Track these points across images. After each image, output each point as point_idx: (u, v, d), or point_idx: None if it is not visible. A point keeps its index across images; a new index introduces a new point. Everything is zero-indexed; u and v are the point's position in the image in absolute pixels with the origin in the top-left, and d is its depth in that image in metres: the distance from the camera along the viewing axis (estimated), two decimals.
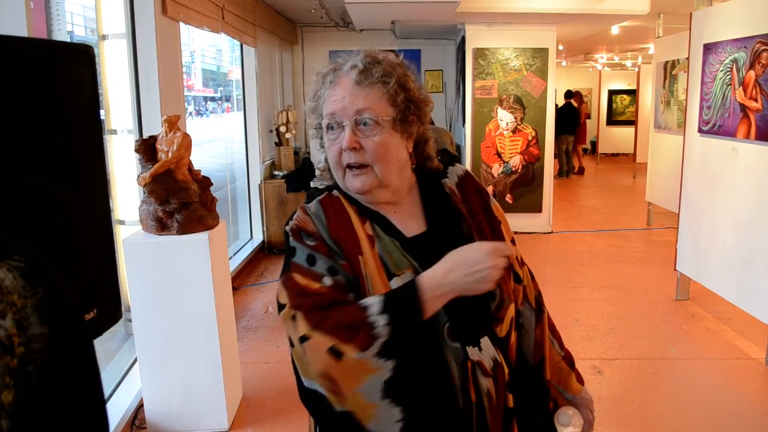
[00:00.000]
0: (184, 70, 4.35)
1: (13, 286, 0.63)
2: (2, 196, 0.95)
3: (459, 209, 1.34)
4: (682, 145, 5.04)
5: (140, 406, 3.13)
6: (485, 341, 1.22)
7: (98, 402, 0.74)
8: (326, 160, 1.31)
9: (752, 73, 4.00)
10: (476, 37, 7.19)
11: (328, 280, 1.17)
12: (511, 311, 1.30)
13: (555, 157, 11.54)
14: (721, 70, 4.40)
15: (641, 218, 8.10)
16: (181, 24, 4.21)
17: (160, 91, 3.71)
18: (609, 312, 4.81)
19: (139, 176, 2.93)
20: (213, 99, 16.42)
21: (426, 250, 1.25)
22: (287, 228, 1.25)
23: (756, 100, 3.95)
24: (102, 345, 3.77)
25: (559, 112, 12.29)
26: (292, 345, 1.16)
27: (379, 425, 1.11)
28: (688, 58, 4.97)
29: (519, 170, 7.37)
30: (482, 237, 1.32)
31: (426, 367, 1.16)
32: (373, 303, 1.13)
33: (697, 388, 3.64)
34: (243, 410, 3.32)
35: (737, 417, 3.31)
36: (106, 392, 3.25)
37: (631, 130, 13.20)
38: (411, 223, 1.31)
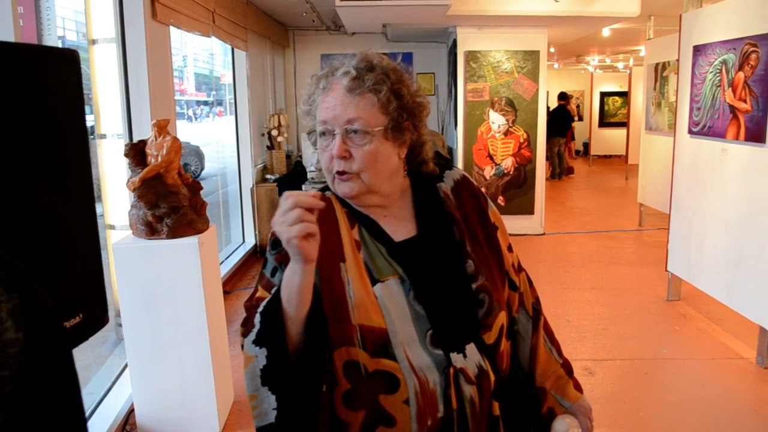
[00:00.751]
0: (176, 74, 4.34)
1: None
2: None
3: (452, 214, 1.33)
4: (672, 147, 5.06)
5: (131, 411, 3.12)
6: (471, 348, 1.21)
7: (76, 407, 0.73)
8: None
9: (741, 74, 4.02)
10: (467, 40, 7.21)
11: None
12: (501, 319, 1.28)
13: (547, 159, 11.60)
14: (711, 72, 4.43)
15: (633, 219, 8.12)
16: (173, 28, 4.21)
17: (150, 95, 3.70)
18: (600, 313, 4.82)
19: (128, 181, 2.92)
20: (206, 103, 16.40)
21: (415, 255, 1.25)
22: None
23: (745, 101, 3.98)
24: (93, 350, 3.76)
25: (552, 114, 12.35)
26: None
27: (260, 415, 1.13)
28: (678, 60, 5.00)
29: (511, 172, 7.39)
30: (475, 242, 1.31)
31: (311, 362, 1.15)
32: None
33: (688, 388, 3.65)
34: (234, 414, 3.31)
35: (729, 417, 3.32)
36: (97, 396, 3.24)
37: (623, 132, 13.24)
38: (401, 227, 1.30)
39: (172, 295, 2.91)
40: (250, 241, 6.76)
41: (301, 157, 7.77)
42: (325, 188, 1.33)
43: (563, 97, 13.00)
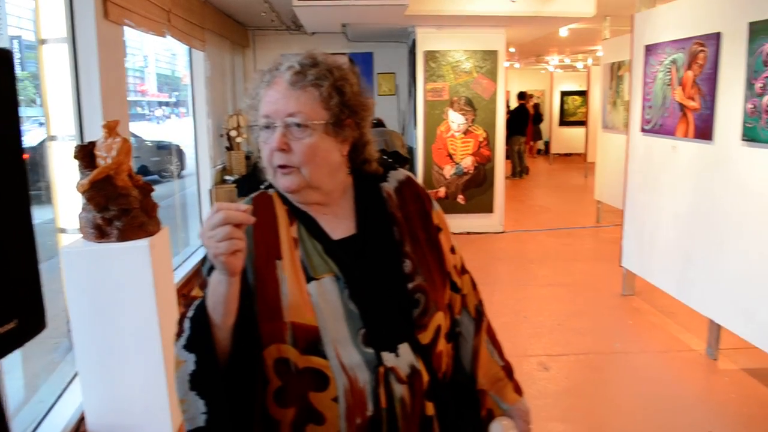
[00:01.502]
0: (137, 74, 4.28)
1: None
2: None
3: (393, 214, 1.33)
4: (626, 145, 5.16)
5: (81, 419, 3.06)
6: (404, 348, 1.21)
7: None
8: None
9: (690, 73, 4.12)
10: (427, 40, 7.25)
11: None
12: (437, 319, 1.29)
13: (508, 158, 11.72)
14: (661, 71, 4.53)
15: (591, 217, 8.26)
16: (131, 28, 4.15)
17: (102, 96, 3.63)
18: (557, 309, 4.90)
19: (78, 183, 2.87)
20: (167, 104, 16.21)
21: (352, 253, 1.26)
22: None
23: (694, 100, 4.07)
24: (45, 356, 3.69)
25: (512, 113, 12.49)
26: None
27: (190, 419, 1.13)
28: (630, 59, 5.09)
29: (471, 171, 7.45)
30: (416, 242, 1.32)
31: (240, 369, 1.16)
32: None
33: (640, 381, 3.73)
34: None
35: (680, 408, 3.40)
36: (47, 404, 3.18)
37: (582, 130, 13.45)
38: (341, 225, 1.30)
39: (122, 299, 2.86)
40: None
41: (260, 158, 7.71)
42: (270, 186, 1.33)
43: (522, 96, 13.17)
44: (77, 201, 3.37)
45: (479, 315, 1.45)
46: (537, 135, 15.97)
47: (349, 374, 1.17)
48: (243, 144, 7.23)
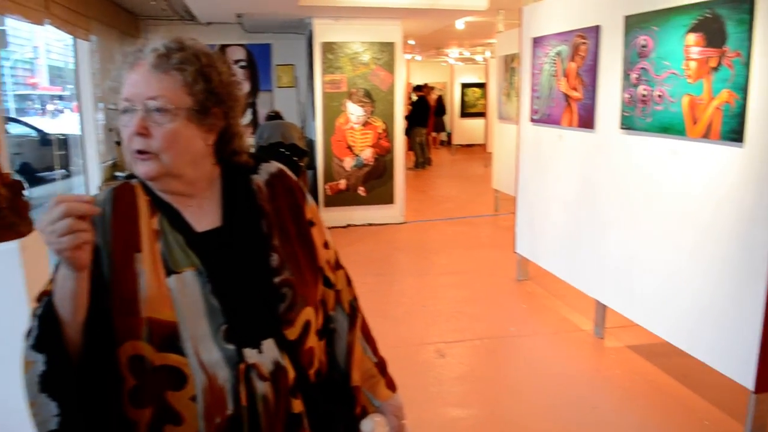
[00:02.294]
0: (26, 66, 4.02)
1: None
2: None
3: (262, 206, 1.29)
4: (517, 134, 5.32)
5: None
6: (268, 344, 1.18)
7: None
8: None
9: (573, 64, 4.28)
10: (324, 32, 7.20)
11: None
12: (306, 315, 1.26)
13: (410, 149, 11.85)
14: (547, 62, 4.68)
15: (490, 205, 8.48)
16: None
17: None
18: (455, 296, 4.99)
19: None
20: (61, 97, 15.43)
21: (216, 246, 1.21)
22: None
23: (577, 90, 4.23)
24: None
25: (414, 105, 12.64)
26: None
27: (41, 423, 1.07)
28: (519, 52, 5.24)
29: (371, 163, 7.47)
30: (285, 236, 1.28)
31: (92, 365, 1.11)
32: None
33: (533, 362, 3.86)
34: None
35: (569, 385, 3.54)
36: None
37: (482, 121, 13.79)
38: (206, 217, 1.25)
39: None
40: None
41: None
42: (132, 175, 1.26)
43: (420, 88, 13.40)
44: None
45: (353, 311, 1.44)
46: (440, 126, 16.25)
47: (208, 372, 1.13)
48: None
